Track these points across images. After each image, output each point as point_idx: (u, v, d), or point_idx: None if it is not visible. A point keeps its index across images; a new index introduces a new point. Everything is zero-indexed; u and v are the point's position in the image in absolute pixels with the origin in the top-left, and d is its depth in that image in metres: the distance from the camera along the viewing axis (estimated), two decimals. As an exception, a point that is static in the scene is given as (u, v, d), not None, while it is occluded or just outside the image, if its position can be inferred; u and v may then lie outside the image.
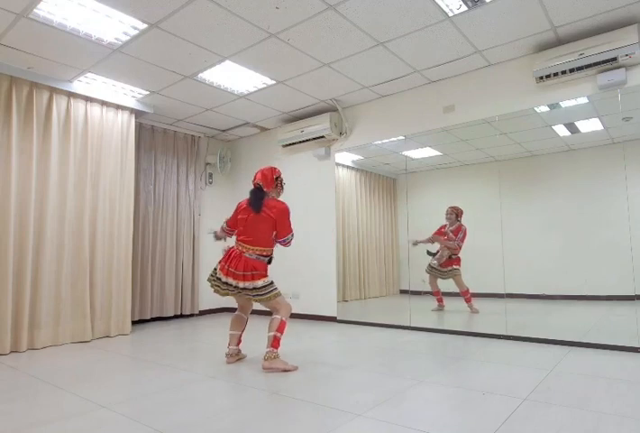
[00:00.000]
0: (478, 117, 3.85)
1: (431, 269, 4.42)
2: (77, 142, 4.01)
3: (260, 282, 2.79)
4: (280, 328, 2.79)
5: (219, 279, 2.90)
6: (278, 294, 2.86)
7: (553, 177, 3.97)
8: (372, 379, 2.50)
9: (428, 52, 3.51)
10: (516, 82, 3.64)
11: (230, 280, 2.83)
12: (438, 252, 4.43)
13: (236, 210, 3.05)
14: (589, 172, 3.73)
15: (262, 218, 2.86)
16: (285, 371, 2.71)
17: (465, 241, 4.31)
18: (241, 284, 2.79)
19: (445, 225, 4.42)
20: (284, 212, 2.90)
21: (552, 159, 3.96)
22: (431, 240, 4.47)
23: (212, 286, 2.98)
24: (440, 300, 4.41)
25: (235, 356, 3.02)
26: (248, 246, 2.85)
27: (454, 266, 4.31)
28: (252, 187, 2.97)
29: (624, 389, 2.19)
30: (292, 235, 2.97)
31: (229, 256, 2.88)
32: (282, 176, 3.06)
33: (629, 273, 3.13)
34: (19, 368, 2.95)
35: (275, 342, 2.76)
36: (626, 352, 2.95)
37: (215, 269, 2.95)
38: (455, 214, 4.36)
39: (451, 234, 4.37)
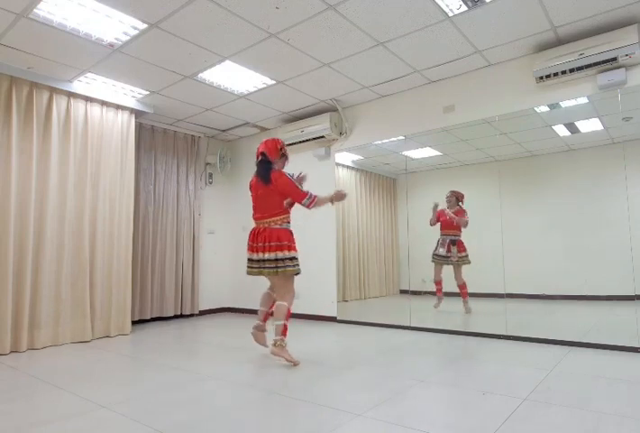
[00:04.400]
0: (478, 117, 3.85)
1: (439, 257, 4.37)
2: (77, 142, 4.01)
3: (280, 254, 2.85)
4: (288, 316, 2.89)
5: (249, 259, 3.00)
6: (297, 272, 2.92)
7: (553, 177, 3.97)
8: (372, 379, 2.50)
9: (428, 52, 3.51)
10: (516, 82, 3.64)
11: (255, 256, 2.93)
12: (439, 240, 4.40)
13: (250, 190, 3.14)
14: (589, 172, 3.73)
15: (271, 191, 2.95)
16: (288, 361, 2.80)
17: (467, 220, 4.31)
18: (267, 255, 2.86)
19: (444, 210, 4.40)
20: (286, 184, 2.93)
21: (552, 159, 3.96)
22: (438, 213, 4.43)
23: (248, 272, 3.04)
24: (440, 292, 4.37)
25: (261, 331, 3.14)
26: (270, 220, 2.95)
27: (466, 253, 4.28)
28: (256, 159, 3.07)
29: (624, 389, 2.19)
30: (309, 198, 2.92)
31: (254, 235, 2.98)
32: (286, 147, 3.13)
33: (629, 273, 3.13)
34: (19, 368, 2.95)
35: (284, 330, 2.86)
36: (626, 352, 2.95)
37: (249, 258, 3.04)
38: (455, 197, 4.35)
39: (452, 214, 4.36)
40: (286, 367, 2.81)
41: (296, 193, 2.94)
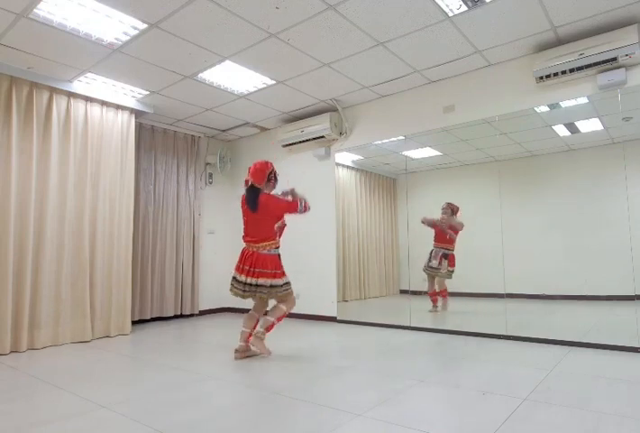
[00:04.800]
0: (478, 117, 3.85)
1: (431, 269, 4.40)
2: (77, 142, 4.01)
3: (261, 281, 2.92)
4: (280, 318, 3.02)
5: (234, 278, 3.04)
6: (289, 295, 3.04)
7: (553, 177, 3.97)
8: (372, 379, 2.50)
9: (428, 52, 3.51)
10: (516, 82, 3.64)
11: (239, 277, 2.98)
12: (432, 251, 4.41)
13: (241, 211, 3.15)
14: (589, 172, 3.73)
15: (261, 215, 3.00)
16: (260, 352, 2.96)
17: (458, 236, 4.33)
18: (248, 280, 2.93)
19: (439, 221, 4.41)
20: (276, 204, 3.01)
21: (552, 159, 3.96)
22: (433, 222, 4.45)
23: (230, 288, 3.07)
24: (435, 301, 4.41)
25: (243, 353, 3.07)
26: (258, 245, 2.99)
27: (454, 268, 4.32)
28: (245, 184, 3.10)
29: (624, 389, 2.19)
30: (301, 204, 3.03)
31: (243, 256, 3.02)
32: (275, 170, 3.15)
33: (629, 273, 3.13)
34: (19, 368, 2.95)
35: (271, 327, 3.01)
36: (626, 352, 2.95)
37: (234, 277, 3.07)
38: (451, 209, 4.37)
39: (445, 227, 4.38)
40: (286, 367, 2.81)
41: (289, 208, 3.03)
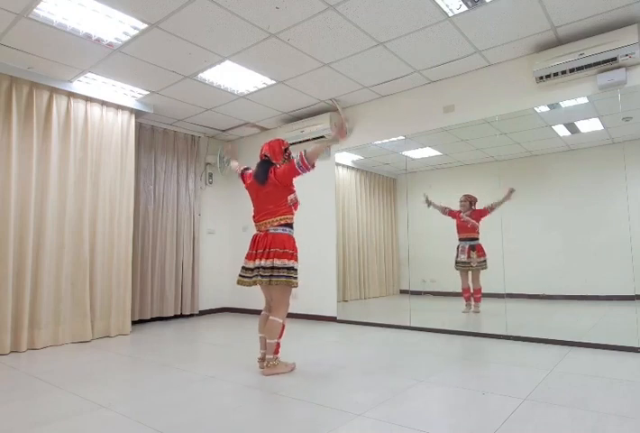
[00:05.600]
0: (478, 117, 3.85)
1: (461, 264, 4.29)
2: (77, 142, 4.01)
3: (278, 262, 2.57)
4: (281, 335, 2.70)
5: (243, 267, 2.73)
6: (294, 285, 2.63)
7: (553, 177, 3.98)
8: (372, 379, 2.50)
9: (428, 52, 3.51)
10: (516, 82, 3.64)
11: (251, 264, 2.66)
12: (458, 247, 4.34)
13: (247, 191, 2.90)
14: (589, 172, 3.73)
15: (270, 188, 2.72)
16: (286, 371, 2.68)
17: (482, 221, 4.23)
18: (263, 262, 2.58)
19: (460, 213, 4.34)
20: (283, 170, 2.72)
21: (552, 159, 3.96)
22: (444, 209, 4.42)
23: (237, 281, 2.75)
24: (469, 298, 4.26)
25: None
26: (267, 221, 2.69)
27: (485, 258, 4.18)
28: (260, 160, 2.85)
29: (624, 389, 2.19)
30: (299, 159, 2.66)
31: (254, 242, 2.73)
32: (290, 148, 2.94)
33: (629, 273, 3.13)
34: (19, 368, 2.95)
35: (277, 349, 2.69)
36: (625, 352, 2.95)
37: (243, 266, 2.78)
38: (469, 202, 4.29)
39: (467, 217, 4.31)
40: (286, 367, 2.80)
41: (291, 168, 2.69)
